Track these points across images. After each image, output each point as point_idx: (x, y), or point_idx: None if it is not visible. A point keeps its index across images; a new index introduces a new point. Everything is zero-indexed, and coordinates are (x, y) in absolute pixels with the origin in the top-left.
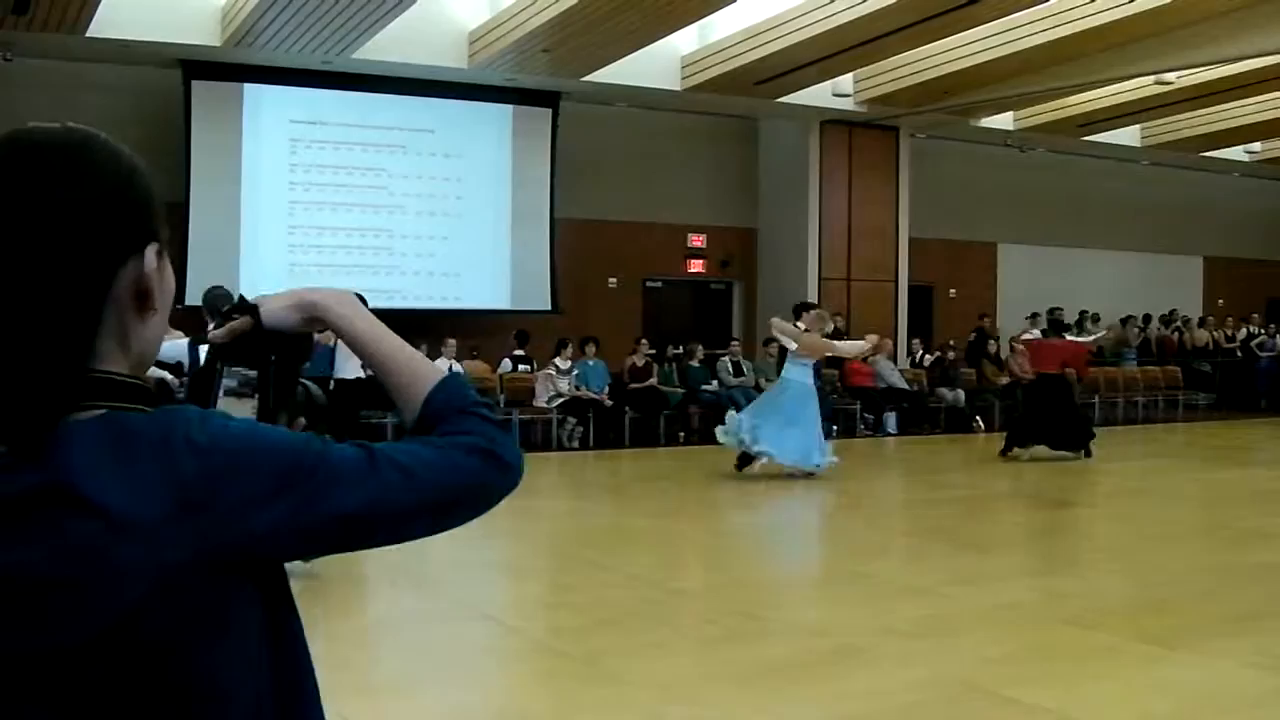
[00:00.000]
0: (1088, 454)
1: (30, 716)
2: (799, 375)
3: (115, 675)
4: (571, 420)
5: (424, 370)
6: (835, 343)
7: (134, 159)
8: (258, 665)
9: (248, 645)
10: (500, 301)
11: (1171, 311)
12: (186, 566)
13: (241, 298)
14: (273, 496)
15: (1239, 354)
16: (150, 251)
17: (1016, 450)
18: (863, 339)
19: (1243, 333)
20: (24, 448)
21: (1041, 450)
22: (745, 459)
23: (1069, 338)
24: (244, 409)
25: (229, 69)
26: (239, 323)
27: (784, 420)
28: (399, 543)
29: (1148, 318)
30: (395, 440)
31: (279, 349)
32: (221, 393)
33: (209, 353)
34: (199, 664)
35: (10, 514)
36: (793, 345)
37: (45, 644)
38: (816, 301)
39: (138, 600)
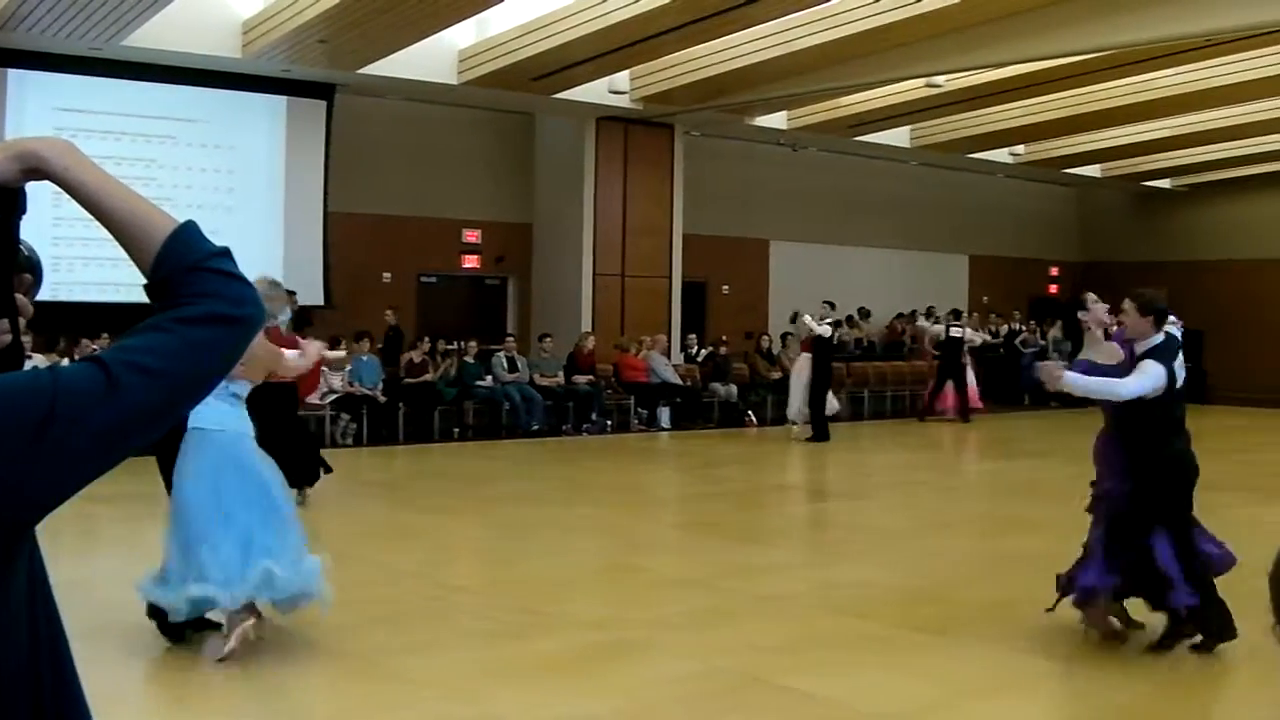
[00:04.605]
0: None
1: None
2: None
3: None
4: (345, 416)
5: (156, 222)
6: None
7: None
8: (24, 623)
9: (18, 605)
10: None
11: (929, 308)
12: None
13: None
14: (30, 458)
15: (1002, 350)
16: None
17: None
18: None
19: (1005, 329)
20: None
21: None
22: None
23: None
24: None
25: None
26: None
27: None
28: (160, 435)
29: (921, 313)
30: None
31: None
32: None
33: None
34: None
35: None
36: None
37: None
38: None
39: None
